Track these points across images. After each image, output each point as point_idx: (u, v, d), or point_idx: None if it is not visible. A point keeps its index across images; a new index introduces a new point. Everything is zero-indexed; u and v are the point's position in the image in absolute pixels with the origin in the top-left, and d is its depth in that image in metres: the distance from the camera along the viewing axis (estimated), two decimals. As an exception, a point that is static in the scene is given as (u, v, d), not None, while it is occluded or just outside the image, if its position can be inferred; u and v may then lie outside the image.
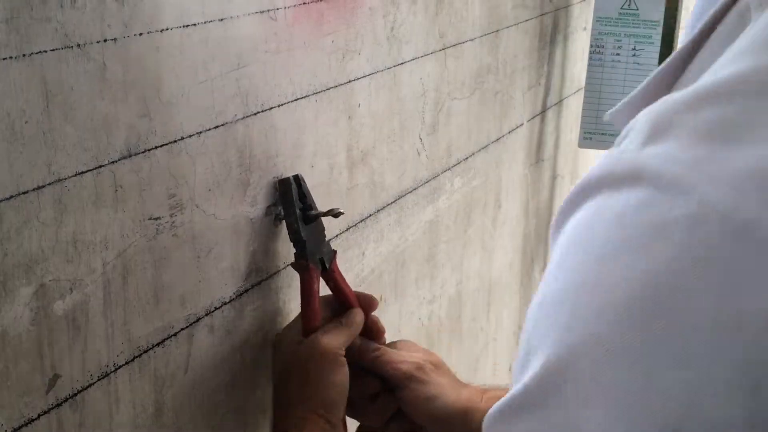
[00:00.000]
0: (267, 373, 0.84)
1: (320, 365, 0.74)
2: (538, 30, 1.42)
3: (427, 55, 1.06)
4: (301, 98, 0.83)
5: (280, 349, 0.78)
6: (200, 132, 0.71)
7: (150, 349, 0.69)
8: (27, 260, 0.57)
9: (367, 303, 0.84)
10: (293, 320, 0.82)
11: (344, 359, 0.76)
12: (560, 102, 1.60)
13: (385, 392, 0.82)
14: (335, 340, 0.76)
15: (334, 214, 0.82)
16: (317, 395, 0.73)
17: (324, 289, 0.83)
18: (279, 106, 0.80)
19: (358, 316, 0.81)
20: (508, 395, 0.36)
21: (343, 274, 0.93)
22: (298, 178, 0.81)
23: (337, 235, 0.93)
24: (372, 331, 0.84)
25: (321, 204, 0.84)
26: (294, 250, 0.81)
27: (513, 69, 1.34)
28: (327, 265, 0.82)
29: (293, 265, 0.81)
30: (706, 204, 0.30)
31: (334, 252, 0.84)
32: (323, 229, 0.83)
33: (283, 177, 0.81)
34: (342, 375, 0.75)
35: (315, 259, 0.81)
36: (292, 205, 0.80)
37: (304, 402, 0.73)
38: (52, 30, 0.56)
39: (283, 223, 0.82)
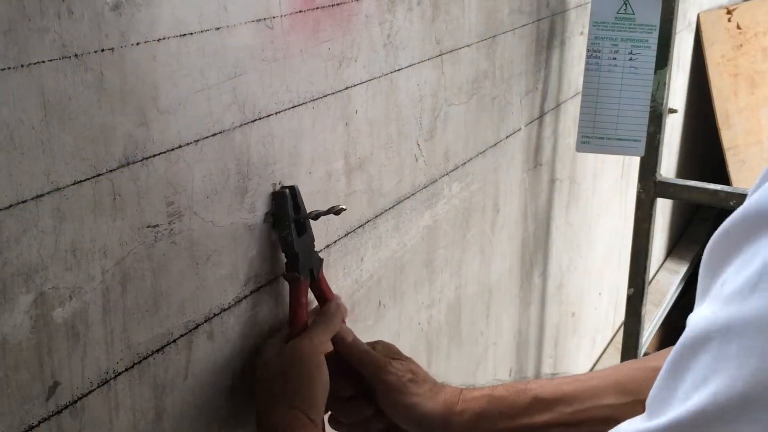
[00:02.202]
0: (266, 379, 0.85)
1: (303, 367, 0.77)
2: (535, 35, 1.43)
3: (424, 62, 1.07)
4: (299, 105, 0.84)
5: (264, 354, 0.81)
6: (198, 140, 0.71)
7: (149, 355, 0.70)
8: (26, 269, 0.58)
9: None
10: (278, 329, 0.84)
11: (323, 360, 0.79)
12: (557, 106, 1.60)
13: (360, 396, 0.85)
14: (316, 341, 0.80)
15: (335, 211, 0.83)
16: (299, 394, 0.76)
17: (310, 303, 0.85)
18: (276, 113, 0.81)
19: (333, 305, 0.84)
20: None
21: (343, 279, 0.94)
22: (293, 190, 0.82)
23: (335, 241, 0.94)
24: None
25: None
26: (285, 261, 0.83)
27: (510, 74, 1.35)
28: (315, 275, 0.84)
29: (285, 276, 0.84)
30: None
31: (321, 261, 0.86)
32: (313, 239, 0.85)
33: (277, 190, 0.82)
34: (323, 375, 0.78)
35: (306, 270, 0.83)
36: (287, 217, 0.81)
37: (287, 401, 0.76)
38: (50, 40, 0.57)
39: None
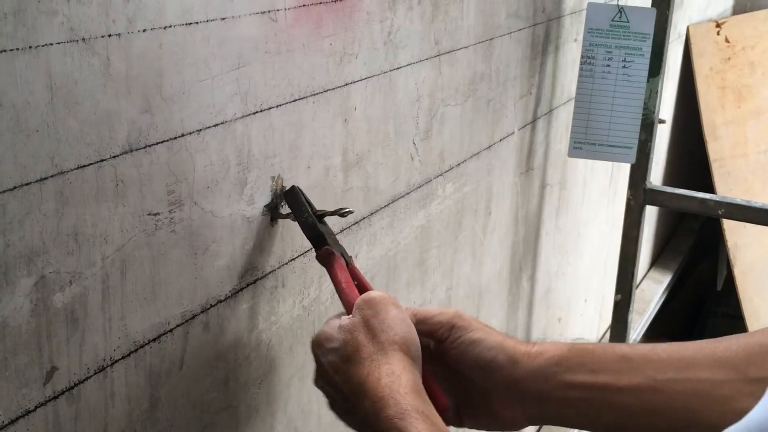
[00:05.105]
0: (260, 372, 0.84)
1: (381, 310, 0.72)
2: (531, 40, 1.44)
3: (423, 61, 1.07)
4: (299, 99, 0.84)
5: (326, 332, 0.73)
6: (200, 129, 0.71)
7: (146, 344, 0.69)
8: (28, 251, 0.57)
9: None
10: (324, 325, 0.77)
11: (398, 303, 0.74)
12: (550, 112, 1.61)
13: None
14: (381, 291, 0.75)
15: (341, 213, 0.83)
16: (389, 332, 0.70)
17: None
18: (277, 106, 0.81)
19: None
20: None
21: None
22: (299, 189, 0.82)
23: (331, 237, 0.94)
24: None
25: (316, 206, 0.85)
26: (313, 248, 0.81)
27: (505, 77, 1.35)
28: (348, 262, 0.82)
29: (318, 257, 0.81)
30: None
31: (351, 257, 0.84)
32: (333, 234, 0.84)
33: (287, 189, 0.82)
34: (402, 312, 0.73)
35: (338, 250, 0.81)
36: (303, 205, 0.81)
37: (381, 345, 0.70)
38: (59, 23, 0.57)
39: (279, 223, 0.83)
